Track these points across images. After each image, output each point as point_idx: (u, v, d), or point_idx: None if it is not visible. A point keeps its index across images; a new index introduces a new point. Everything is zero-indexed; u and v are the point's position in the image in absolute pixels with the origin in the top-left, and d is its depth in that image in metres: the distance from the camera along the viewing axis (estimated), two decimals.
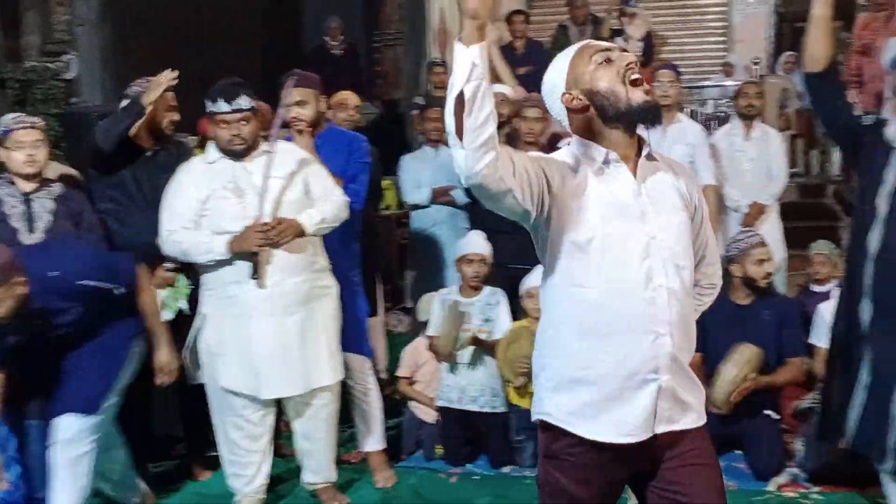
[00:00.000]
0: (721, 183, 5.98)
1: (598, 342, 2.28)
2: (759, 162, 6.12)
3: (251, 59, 8.25)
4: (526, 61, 8.02)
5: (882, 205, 3.20)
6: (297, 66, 4.54)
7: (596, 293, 2.27)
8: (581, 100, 2.30)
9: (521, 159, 2.17)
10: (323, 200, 3.94)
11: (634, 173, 2.32)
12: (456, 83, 2.03)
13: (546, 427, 2.40)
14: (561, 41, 8.45)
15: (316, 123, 4.31)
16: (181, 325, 4.22)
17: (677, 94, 5.89)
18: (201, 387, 4.11)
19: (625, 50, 2.32)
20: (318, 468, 4.18)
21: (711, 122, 8.70)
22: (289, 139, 4.16)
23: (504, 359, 4.56)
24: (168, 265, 4.27)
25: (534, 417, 2.44)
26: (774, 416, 4.46)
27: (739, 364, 4.27)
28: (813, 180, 9.48)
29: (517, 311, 4.78)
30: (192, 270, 4.15)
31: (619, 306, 2.27)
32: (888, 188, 3.20)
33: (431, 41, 9.54)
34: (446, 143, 6.21)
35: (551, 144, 5.56)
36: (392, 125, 8.64)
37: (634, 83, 2.27)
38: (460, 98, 2.03)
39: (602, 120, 2.30)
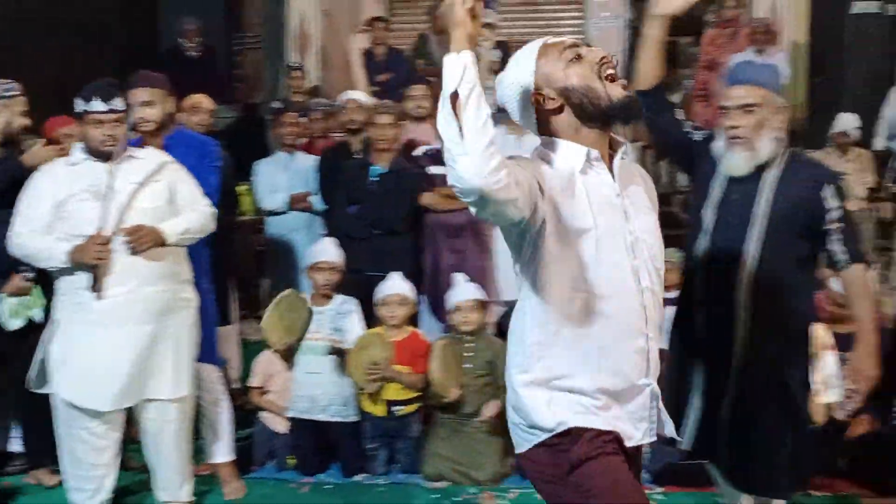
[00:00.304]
0: None
1: (603, 345, 2.20)
2: None
3: (105, 59, 7.98)
4: (386, 68, 8.04)
5: (708, 216, 3.32)
6: (152, 67, 4.43)
7: (598, 295, 2.18)
8: (554, 99, 2.21)
9: (513, 164, 2.06)
10: (189, 210, 3.85)
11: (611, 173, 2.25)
12: (448, 86, 1.95)
13: (561, 438, 2.21)
14: (421, 50, 8.50)
15: (164, 125, 4.20)
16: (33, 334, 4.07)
17: None
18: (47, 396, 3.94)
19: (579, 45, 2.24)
20: (166, 485, 4.05)
21: None
22: (134, 142, 4.04)
23: (357, 365, 4.54)
24: (28, 274, 4.15)
25: (535, 441, 2.25)
26: None
27: None
28: (661, 189, 9.78)
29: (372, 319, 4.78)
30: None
31: (619, 308, 2.20)
32: (714, 200, 3.32)
33: (291, 45, 9.45)
34: (301, 148, 6.23)
35: (407, 151, 5.59)
36: (253, 129, 8.50)
37: (610, 78, 2.19)
38: (454, 98, 1.94)
39: (579, 119, 2.21)
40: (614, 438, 2.22)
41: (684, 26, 10.16)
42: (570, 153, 2.21)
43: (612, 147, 2.31)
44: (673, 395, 3.59)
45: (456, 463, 4.52)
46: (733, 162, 3.24)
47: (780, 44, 8.18)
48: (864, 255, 3.20)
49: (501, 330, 5.08)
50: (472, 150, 1.92)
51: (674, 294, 5.35)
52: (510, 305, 5.27)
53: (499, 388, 4.55)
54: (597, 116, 2.20)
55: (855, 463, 4.36)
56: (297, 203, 5.94)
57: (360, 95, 6.04)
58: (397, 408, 4.63)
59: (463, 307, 4.68)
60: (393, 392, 4.61)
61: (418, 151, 5.59)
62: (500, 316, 5.31)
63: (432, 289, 5.40)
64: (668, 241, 3.50)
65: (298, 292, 4.80)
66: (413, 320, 4.93)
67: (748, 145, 3.21)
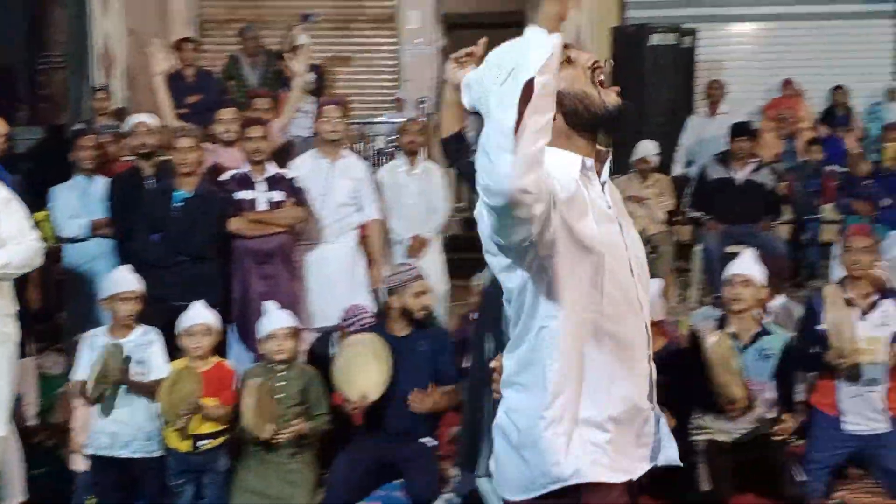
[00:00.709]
0: (386, 216, 6.13)
1: (612, 370, 2.06)
2: (422, 196, 6.36)
3: None
4: (196, 90, 7.85)
5: None
6: None
7: (606, 315, 2.04)
8: None
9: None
10: (13, 242, 3.62)
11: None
12: (525, 68, 1.70)
13: (572, 491, 2.07)
14: (232, 71, 8.37)
15: None
16: None
17: (344, 129, 5.99)
18: None
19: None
20: None
21: (383, 157, 8.93)
22: None
23: (168, 401, 4.35)
24: None
25: (541, 492, 2.10)
26: (431, 442, 4.59)
27: None
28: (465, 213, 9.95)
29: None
30: None
31: (626, 328, 2.07)
32: None
33: (96, 65, 9.10)
34: (101, 172, 5.96)
35: (213, 175, 5.47)
36: (59, 151, 8.11)
37: (602, 84, 2.07)
38: (529, 87, 1.69)
39: (570, 126, 2.06)
40: (623, 488, 2.14)
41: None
42: (566, 162, 2.05)
43: (597, 157, 2.16)
44: (469, 422, 3.65)
45: (266, 496, 4.40)
46: None
47: None
48: None
49: (314, 357, 5.01)
50: (522, 150, 1.71)
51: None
52: (323, 331, 5.23)
53: (311, 418, 4.51)
54: (589, 123, 2.07)
55: (654, 479, 4.50)
56: (98, 229, 5.68)
57: (149, 118, 5.83)
58: (204, 442, 4.47)
59: (275, 335, 4.58)
60: (199, 426, 4.46)
61: (225, 176, 5.47)
62: (313, 343, 5.24)
63: (241, 317, 5.28)
64: (483, 265, 3.59)
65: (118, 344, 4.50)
66: (220, 349, 4.79)
67: None
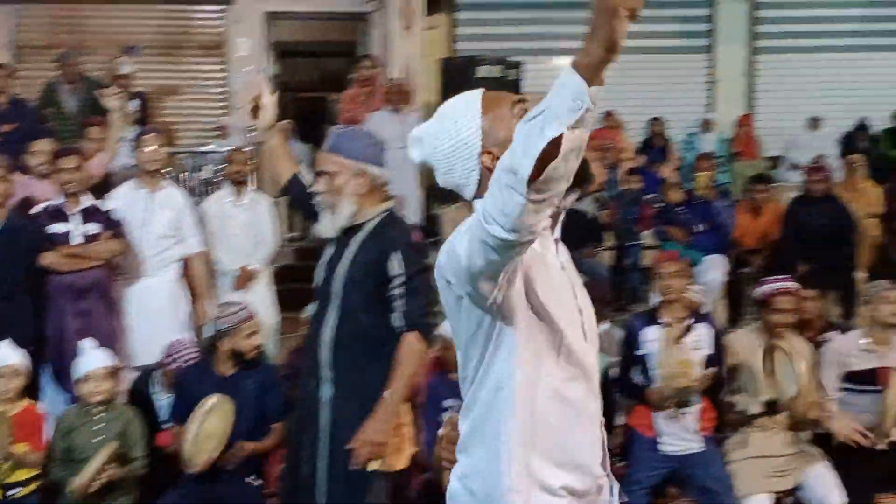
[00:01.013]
0: (211, 248, 5.99)
1: (567, 436, 1.98)
2: (249, 227, 6.25)
3: None
4: (9, 118, 7.46)
5: (318, 276, 3.46)
6: None
7: (563, 378, 1.96)
8: None
9: None
10: None
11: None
12: (555, 118, 1.59)
13: None
14: (49, 99, 8.03)
15: None
16: None
17: (164, 158, 5.83)
18: None
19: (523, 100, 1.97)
20: None
21: (211, 187, 8.72)
22: None
23: None
24: None
25: None
26: (257, 481, 4.48)
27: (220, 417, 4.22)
28: (311, 244, 9.87)
29: None
30: None
31: (580, 392, 1.99)
32: (322, 261, 3.47)
33: None
34: None
35: (24, 208, 5.24)
36: None
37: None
38: (557, 142, 1.59)
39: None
40: None
41: (333, 84, 10.44)
42: None
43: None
44: (291, 459, 3.60)
45: None
46: (322, 224, 3.44)
47: (414, 103, 8.59)
48: (420, 323, 3.35)
49: (134, 397, 4.82)
50: (534, 196, 1.64)
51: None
52: (143, 370, 5.04)
53: (129, 461, 4.33)
54: None
55: None
56: None
57: None
58: (15, 490, 4.23)
59: (92, 376, 4.38)
60: (10, 474, 4.21)
61: (37, 208, 5.23)
62: (133, 382, 5.04)
63: (57, 356, 5.04)
64: (308, 295, 3.61)
65: None
66: (32, 391, 4.55)
67: (331, 209, 3.38)
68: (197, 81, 10.33)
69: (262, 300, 6.04)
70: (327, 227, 3.39)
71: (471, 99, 1.98)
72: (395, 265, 3.30)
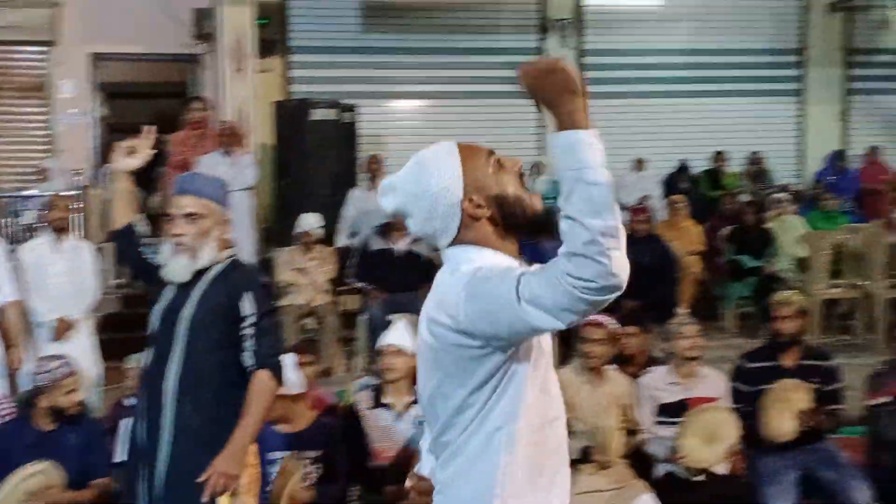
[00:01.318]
0: (27, 297, 5.71)
1: (550, 480, 2.03)
2: (70, 275, 6.01)
3: None
4: None
5: (154, 322, 3.40)
6: None
7: (552, 420, 2.04)
8: (483, 207, 2.01)
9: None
10: None
11: None
12: (594, 170, 1.76)
13: None
14: None
15: None
16: None
17: None
18: None
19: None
20: None
21: (32, 233, 8.32)
22: None
23: None
24: None
25: None
26: None
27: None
28: (138, 290, 9.53)
29: None
30: None
31: (559, 434, 2.07)
32: (160, 306, 3.38)
33: None
34: None
35: None
36: None
37: (526, 189, 2.09)
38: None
39: (504, 228, 2.04)
40: None
41: (165, 125, 10.17)
42: (508, 263, 2.02)
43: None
44: None
45: None
46: (174, 268, 3.35)
47: (247, 146, 8.47)
48: (271, 362, 3.34)
49: None
50: (622, 243, 1.75)
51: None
52: None
53: None
54: (521, 226, 2.07)
55: None
56: None
57: None
58: None
59: None
60: None
61: None
62: None
63: None
64: (142, 344, 3.50)
65: None
66: None
67: (190, 253, 3.33)
68: (18, 124, 9.93)
69: (83, 350, 5.81)
70: (181, 270, 3.32)
71: (450, 148, 2.07)
72: (247, 306, 3.30)
